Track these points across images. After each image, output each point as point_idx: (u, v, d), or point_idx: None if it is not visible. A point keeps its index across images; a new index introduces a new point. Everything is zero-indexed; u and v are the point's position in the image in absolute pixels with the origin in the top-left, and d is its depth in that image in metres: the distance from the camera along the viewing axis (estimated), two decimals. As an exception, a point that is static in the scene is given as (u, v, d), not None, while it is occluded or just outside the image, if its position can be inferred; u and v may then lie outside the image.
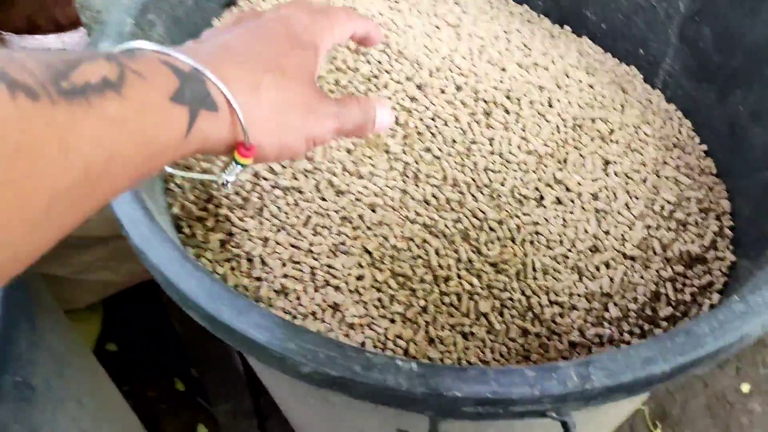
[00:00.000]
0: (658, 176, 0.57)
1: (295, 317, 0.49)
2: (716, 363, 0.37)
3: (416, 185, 0.53)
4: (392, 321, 0.49)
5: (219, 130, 0.31)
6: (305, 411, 0.55)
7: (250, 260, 0.50)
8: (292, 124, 0.35)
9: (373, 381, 0.34)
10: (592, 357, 0.35)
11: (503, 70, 0.58)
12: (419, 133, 0.56)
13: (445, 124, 0.56)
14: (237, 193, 0.52)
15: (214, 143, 0.31)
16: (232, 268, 0.50)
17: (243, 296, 0.38)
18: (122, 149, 0.25)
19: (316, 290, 0.49)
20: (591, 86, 0.60)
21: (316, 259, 0.50)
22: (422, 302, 0.50)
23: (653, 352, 0.35)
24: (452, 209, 0.52)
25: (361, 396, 0.35)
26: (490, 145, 0.53)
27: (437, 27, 0.62)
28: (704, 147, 0.62)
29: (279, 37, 0.35)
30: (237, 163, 0.34)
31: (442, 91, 0.56)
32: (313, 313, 0.49)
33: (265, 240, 0.51)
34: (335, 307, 0.49)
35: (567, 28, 0.71)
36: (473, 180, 0.52)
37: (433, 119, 0.56)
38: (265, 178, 0.53)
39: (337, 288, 0.49)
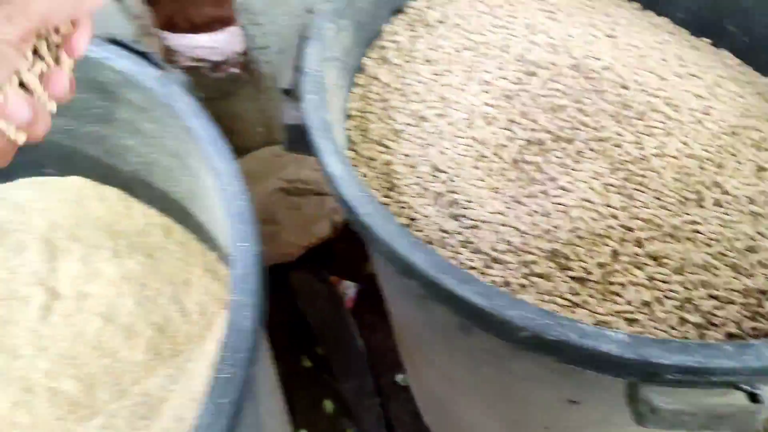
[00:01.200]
0: (810, 184, 0.61)
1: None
2: None
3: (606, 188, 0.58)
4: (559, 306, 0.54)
5: None
6: (472, 381, 0.60)
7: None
8: None
9: (588, 346, 0.39)
10: (785, 337, 0.39)
11: (662, 78, 0.62)
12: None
13: (616, 132, 0.60)
14: (418, 184, 0.58)
15: None
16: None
17: (462, 269, 0.43)
18: None
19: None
20: (741, 96, 0.63)
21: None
22: (588, 291, 0.54)
23: (843, 336, 0.39)
24: (619, 208, 0.57)
25: (572, 360, 0.41)
26: (658, 149, 0.58)
27: (594, 36, 0.67)
28: None
29: None
30: None
31: (603, 100, 0.60)
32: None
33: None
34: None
35: (705, 40, 0.75)
36: (640, 182, 0.57)
37: (596, 130, 0.60)
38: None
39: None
